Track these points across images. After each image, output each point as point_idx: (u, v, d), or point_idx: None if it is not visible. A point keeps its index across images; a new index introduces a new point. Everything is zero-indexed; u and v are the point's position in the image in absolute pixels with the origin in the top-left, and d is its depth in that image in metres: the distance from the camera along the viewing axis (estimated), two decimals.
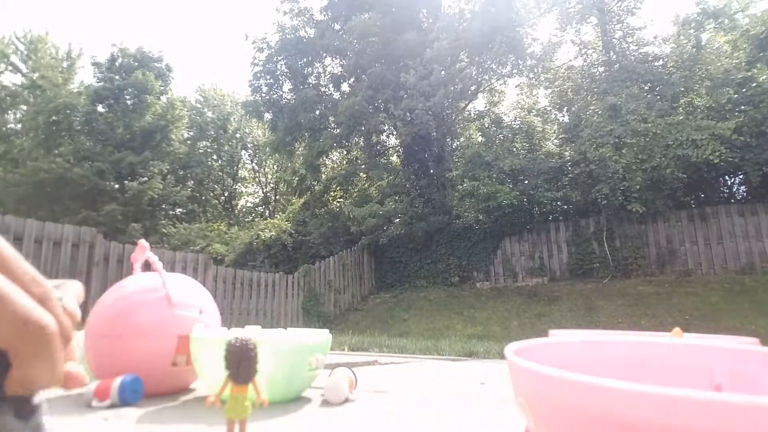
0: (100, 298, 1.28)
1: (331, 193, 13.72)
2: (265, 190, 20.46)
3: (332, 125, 12.02)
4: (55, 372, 0.24)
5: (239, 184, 20.51)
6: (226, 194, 19.94)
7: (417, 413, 1.05)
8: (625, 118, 7.84)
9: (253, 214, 19.86)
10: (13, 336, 0.22)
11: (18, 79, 17.03)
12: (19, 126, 17.15)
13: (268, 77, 13.14)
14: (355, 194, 12.38)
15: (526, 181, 9.40)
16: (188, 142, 18.34)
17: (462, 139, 12.29)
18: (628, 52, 9.90)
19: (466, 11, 11.18)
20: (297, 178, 14.20)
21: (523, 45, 10.57)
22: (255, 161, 20.65)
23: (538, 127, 10.86)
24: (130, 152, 15.43)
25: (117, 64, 16.90)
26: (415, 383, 1.57)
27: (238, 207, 20.46)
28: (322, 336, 1.20)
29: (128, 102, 16.48)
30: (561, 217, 9.53)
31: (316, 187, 13.18)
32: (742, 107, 7.99)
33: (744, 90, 8.13)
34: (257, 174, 20.82)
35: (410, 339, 4.44)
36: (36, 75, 16.82)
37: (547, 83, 11.16)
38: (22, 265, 0.25)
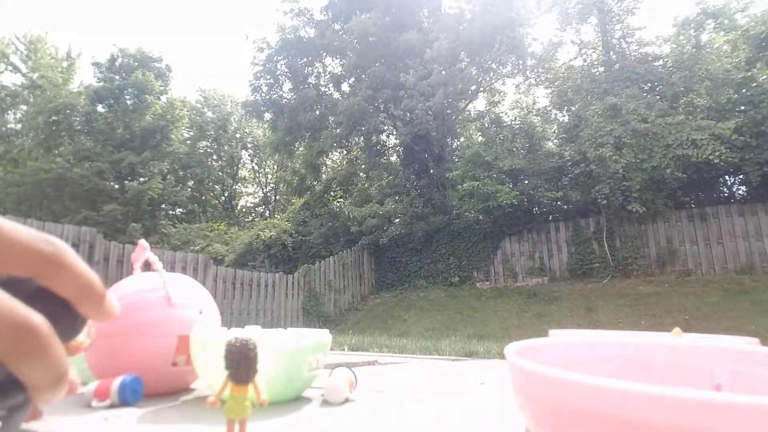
0: None
1: (331, 193, 13.73)
2: (265, 190, 20.47)
3: (332, 125, 12.04)
4: (57, 373, 0.21)
5: (239, 184, 20.52)
6: (226, 194, 19.94)
7: (417, 413, 1.05)
8: (625, 118, 7.84)
9: (253, 214, 19.87)
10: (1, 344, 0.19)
11: (18, 79, 17.05)
12: (19, 126, 17.15)
13: (268, 77, 13.15)
14: (355, 194, 12.39)
15: (526, 181, 9.41)
16: (188, 142, 18.35)
17: (462, 139, 12.31)
18: (628, 52, 9.91)
19: (466, 11, 11.19)
20: (297, 178, 14.21)
21: (524, 45, 10.59)
22: (255, 161, 20.66)
23: (538, 127, 10.87)
24: (130, 152, 15.44)
25: (117, 64, 16.92)
26: (415, 383, 1.57)
27: (238, 207, 20.47)
28: (322, 336, 1.20)
29: (128, 102, 16.50)
30: (561, 217, 9.53)
31: (316, 187, 13.19)
32: (742, 107, 7.99)
33: (744, 90, 8.14)
34: (257, 174, 20.83)
35: (410, 339, 4.44)
36: (36, 75, 16.82)
37: (547, 83, 11.17)
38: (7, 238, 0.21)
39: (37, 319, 0.20)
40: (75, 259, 0.23)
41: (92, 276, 0.23)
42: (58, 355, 0.21)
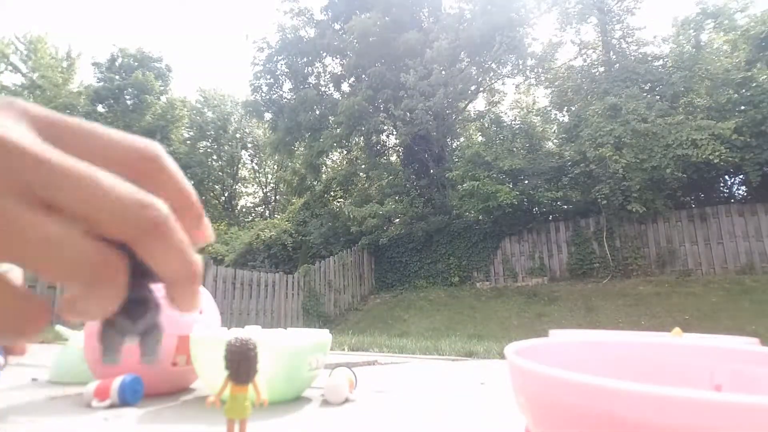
0: None
1: (331, 193, 13.73)
2: (265, 190, 20.46)
3: (332, 125, 12.04)
4: (191, 261, 0.19)
5: (239, 184, 20.52)
6: (226, 194, 19.94)
7: (417, 413, 1.05)
8: (625, 118, 7.84)
9: (253, 214, 19.87)
10: (125, 225, 0.17)
11: (18, 79, 17.05)
12: None
13: (268, 77, 13.16)
14: (355, 194, 12.39)
15: (526, 181, 9.41)
16: (188, 142, 18.35)
17: (462, 139, 12.31)
18: (627, 52, 9.91)
19: (466, 11, 11.19)
20: (297, 178, 14.21)
21: (524, 45, 10.59)
22: (255, 161, 20.66)
23: (538, 127, 10.87)
24: None
25: (117, 64, 16.93)
26: (415, 383, 1.57)
27: (238, 207, 20.47)
28: (322, 336, 1.20)
29: (128, 102, 16.50)
30: (561, 217, 9.53)
31: (316, 187, 13.19)
32: (742, 107, 7.99)
33: (744, 90, 8.14)
34: (257, 174, 20.83)
35: (410, 339, 4.44)
36: (36, 75, 16.83)
37: (547, 83, 11.17)
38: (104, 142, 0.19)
39: (156, 200, 0.18)
40: (175, 166, 0.20)
41: (191, 187, 0.21)
42: (187, 243, 0.19)
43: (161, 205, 0.18)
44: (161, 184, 0.20)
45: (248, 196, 21.00)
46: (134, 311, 0.21)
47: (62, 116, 0.18)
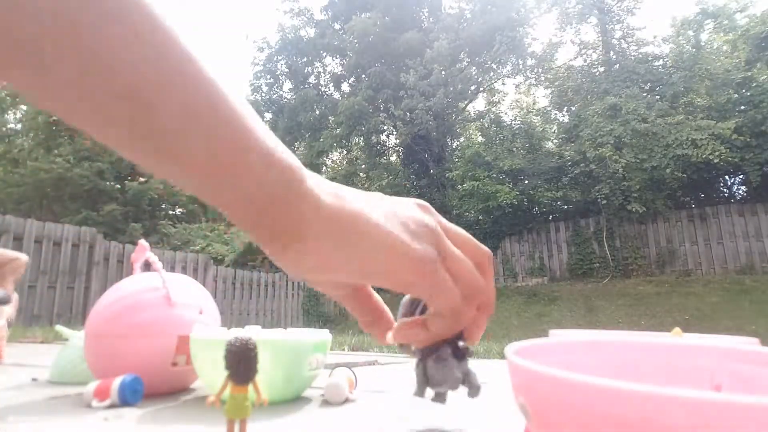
0: (100, 298, 1.28)
1: None
2: None
3: (332, 125, 12.05)
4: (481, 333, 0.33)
5: None
6: None
7: (417, 413, 1.04)
8: (625, 118, 7.85)
9: None
10: (478, 298, 0.30)
11: None
12: (19, 126, 17.13)
13: (268, 77, 13.18)
14: None
15: (526, 181, 9.41)
16: None
17: (462, 139, 12.32)
18: (627, 52, 9.92)
19: (466, 11, 11.20)
20: None
21: (524, 45, 10.60)
22: None
23: (538, 127, 10.87)
24: None
25: None
26: (415, 383, 1.57)
27: None
28: (322, 336, 1.20)
29: None
30: (561, 217, 9.53)
31: None
32: (742, 107, 7.99)
33: (744, 90, 8.14)
34: None
35: None
36: None
37: (547, 83, 11.18)
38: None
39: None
40: (492, 271, 0.31)
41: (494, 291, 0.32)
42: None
43: (493, 295, 0.31)
44: (487, 280, 0.31)
45: None
46: (459, 355, 0.33)
47: (445, 221, 0.31)
